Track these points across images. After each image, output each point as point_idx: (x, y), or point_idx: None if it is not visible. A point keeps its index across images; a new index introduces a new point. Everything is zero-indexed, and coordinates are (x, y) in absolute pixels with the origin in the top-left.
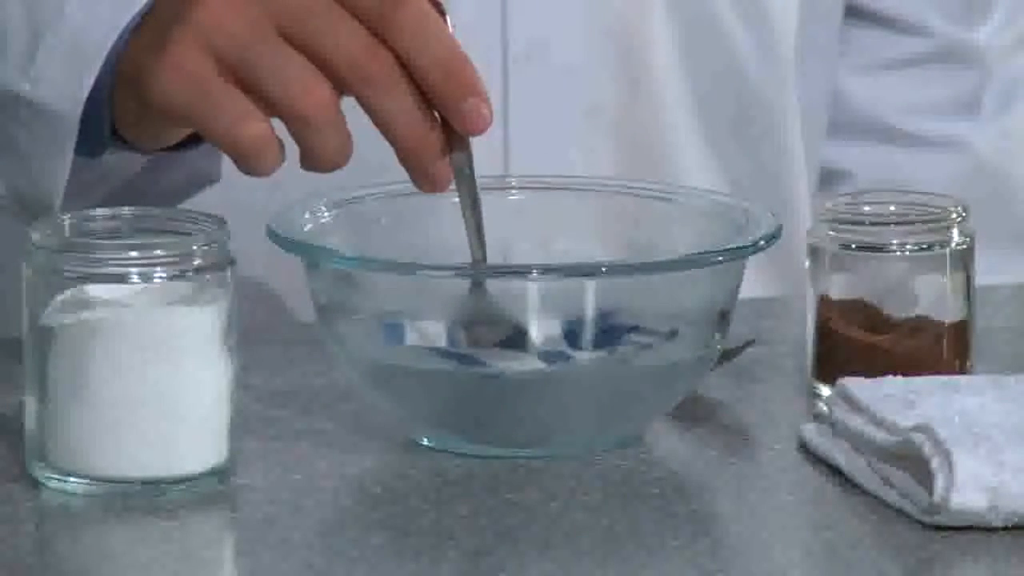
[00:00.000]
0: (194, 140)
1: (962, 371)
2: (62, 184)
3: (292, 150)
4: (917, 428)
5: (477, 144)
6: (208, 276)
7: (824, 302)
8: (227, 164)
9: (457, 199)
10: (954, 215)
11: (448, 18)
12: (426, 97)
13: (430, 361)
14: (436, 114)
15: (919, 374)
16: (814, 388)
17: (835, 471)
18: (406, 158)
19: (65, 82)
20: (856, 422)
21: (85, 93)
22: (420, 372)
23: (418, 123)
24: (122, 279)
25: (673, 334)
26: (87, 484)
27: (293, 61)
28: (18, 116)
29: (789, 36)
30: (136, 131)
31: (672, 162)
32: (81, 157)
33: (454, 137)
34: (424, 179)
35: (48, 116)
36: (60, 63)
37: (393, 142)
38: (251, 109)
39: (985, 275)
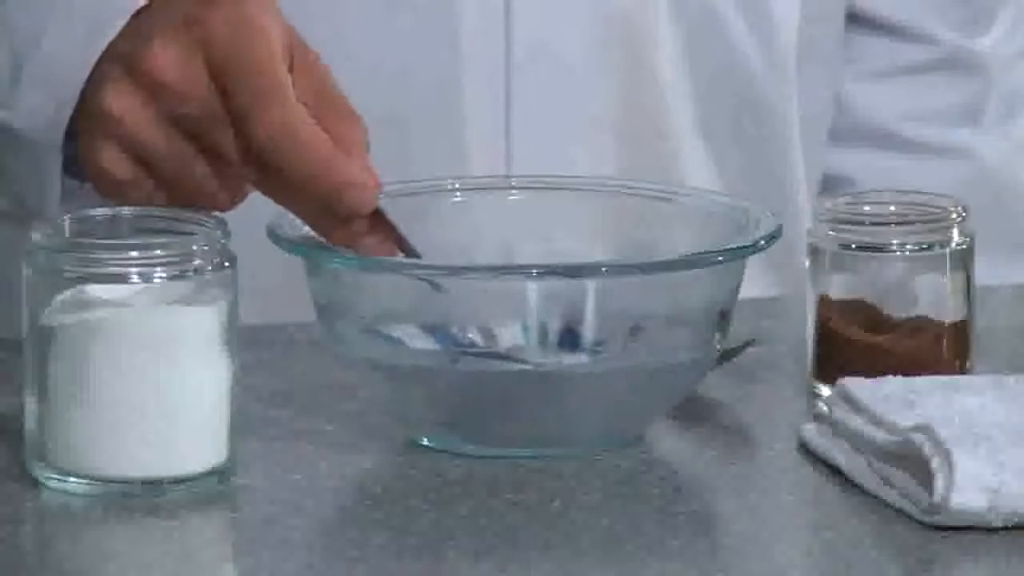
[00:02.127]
0: None
1: (962, 371)
2: (56, 203)
3: None
4: (917, 428)
5: (480, 144)
6: (208, 276)
7: (824, 302)
8: None
9: (457, 199)
10: (954, 215)
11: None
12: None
13: (430, 361)
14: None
15: (919, 374)
16: (814, 388)
17: (835, 471)
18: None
19: (44, 111)
20: (856, 422)
21: (64, 123)
22: (420, 372)
23: (318, 220)
24: (122, 279)
25: (673, 334)
26: (87, 484)
27: (189, 162)
28: (4, 142)
29: (791, 40)
30: None
31: (674, 163)
32: (73, 180)
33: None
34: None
35: (31, 144)
36: (39, 93)
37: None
38: (163, 200)
39: (987, 282)
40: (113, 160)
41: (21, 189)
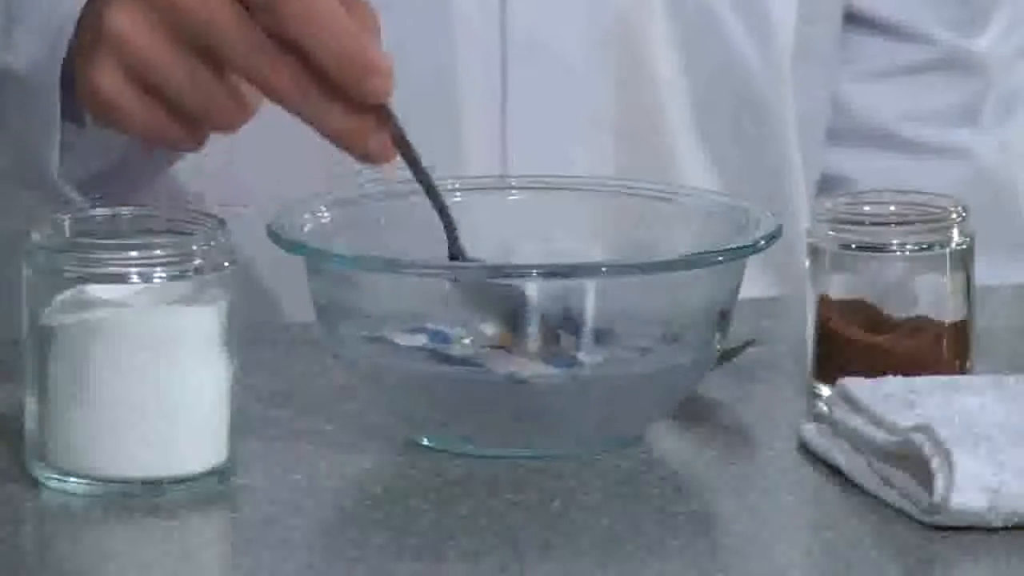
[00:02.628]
0: None
1: (962, 371)
2: (55, 151)
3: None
4: (917, 428)
5: (476, 144)
6: (208, 276)
7: (824, 302)
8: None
9: (457, 199)
10: (954, 215)
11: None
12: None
13: (429, 362)
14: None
15: (919, 374)
16: (814, 388)
17: (835, 471)
18: (336, 145)
19: (41, 51)
20: (856, 422)
21: (61, 55)
22: (419, 373)
23: (335, 117)
24: (122, 279)
25: (673, 334)
26: (87, 484)
27: (203, 82)
28: (4, 88)
29: (788, 40)
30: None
31: (671, 161)
32: (72, 124)
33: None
34: (363, 160)
35: (30, 86)
36: (35, 30)
37: (320, 133)
38: (164, 124)
39: (987, 282)
40: (114, 81)
41: (20, 139)
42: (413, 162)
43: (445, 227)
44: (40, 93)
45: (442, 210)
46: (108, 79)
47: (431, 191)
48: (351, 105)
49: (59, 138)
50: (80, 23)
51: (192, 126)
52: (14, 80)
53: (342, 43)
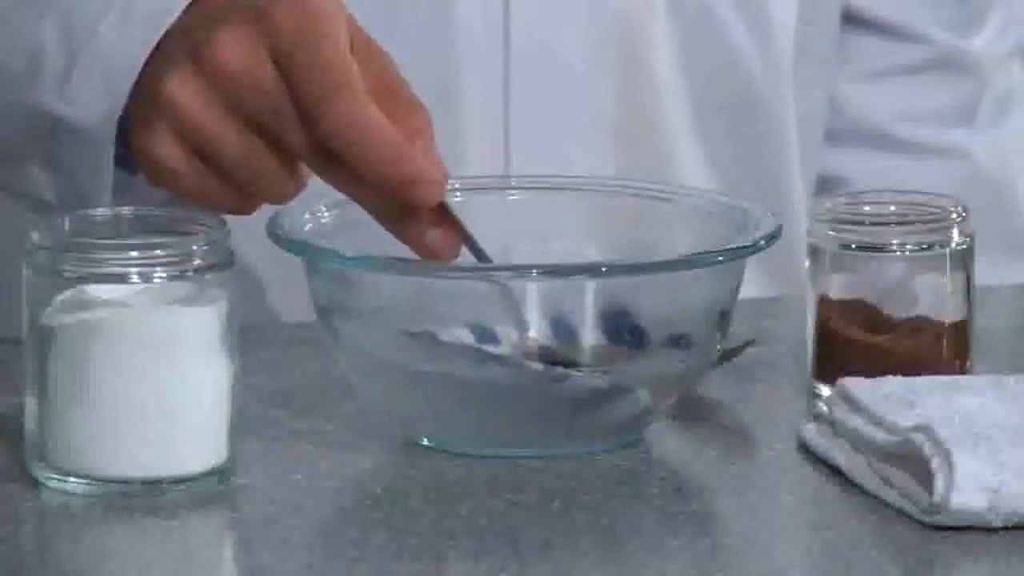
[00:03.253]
0: None
1: (962, 371)
2: (107, 199)
3: None
4: (917, 428)
5: (478, 144)
6: (208, 276)
7: (824, 302)
8: None
9: (458, 198)
10: (954, 215)
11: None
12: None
13: (429, 362)
14: None
15: (919, 374)
16: (814, 388)
17: (835, 471)
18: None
19: (99, 102)
20: (856, 422)
21: (117, 112)
22: (419, 373)
23: (385, 213)
24: (122, 279)
25: (673, 334)
26: (87, 484)
27: (257, 155)
28: (58, 136)
29: (788, 41)
30: None
31: (671, 162)
32: (123, 172)
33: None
34: (422, 254)
35: (85, 136)
36: (94, 84)
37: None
38: (216, 191)
39: (987, 282)
40: (168, 147)
41: (72, 183)
42: (477, 253)
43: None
44: (95, 145)
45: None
46: (163, 145)
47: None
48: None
49: (111, 185)
50: (138, 82)
51: (244, 195)
52: (68, 128)
53: (382, 155)
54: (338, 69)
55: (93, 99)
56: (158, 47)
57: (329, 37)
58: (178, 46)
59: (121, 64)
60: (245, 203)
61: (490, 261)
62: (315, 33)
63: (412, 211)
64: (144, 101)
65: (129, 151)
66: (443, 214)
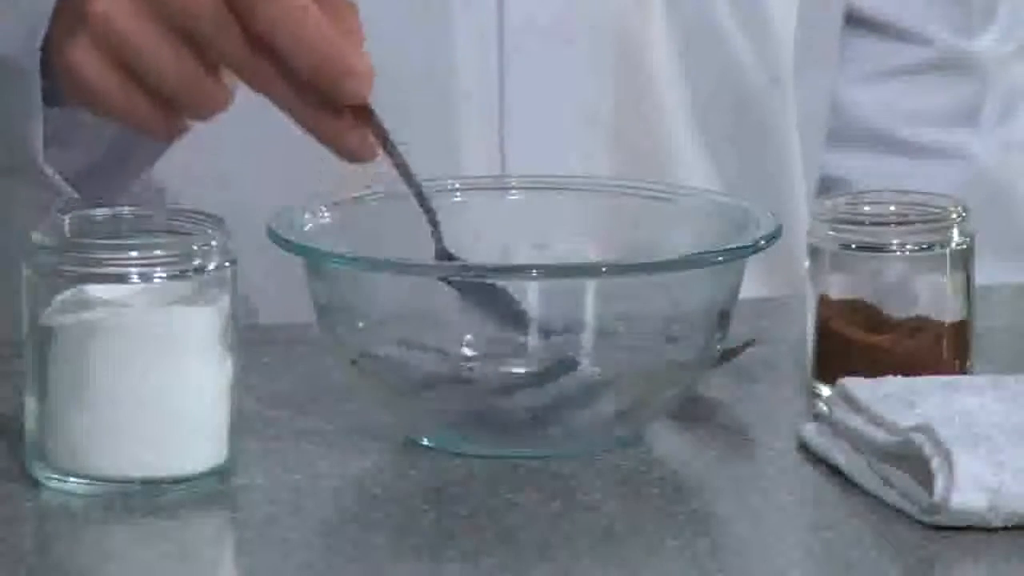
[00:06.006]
0: None
1: (962, 371)
2: (39, 133)
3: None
4: (917, 428)
5: (475, 149)
6: (208, 276)
7: (824, 302)
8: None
9: (457, 199)
10: (954, 215)
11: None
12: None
13: (429, 363)
14: None
15: (919, 374)
16: (814, 388)
17: (835, 471)
18: (318, 140)
19: (19, 33)
20: (856, 422)
21: (39, 36)
22: (419, 373)
23: (314, 114)
24: (122, 279)
25: (673, 334)
26: (87, 484)
27: (184, 66)
28: None
29: (788, 43)
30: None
31: (670, 167)
32: (56, 110)
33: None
34: (344, 157)
35: (9, 68)
36: (13, 15)
37: (300, 127)
38: (142, 108)
39: (987, 282)
40: (95, 62)
41: (5, 123)
42: (398, 161)
43: (431, 225)
44: (20, 77)
45: (428, 210)
46: (88, 58)
47: (416, 190)
48: (329, 104)
49: (42, 122)
50: (62, 2)
51: (169, 112)
52: None
53: (316, 47)
54: None
55: (13, 29)
56: None
57: None
58: None
59: None
60: (171, 122)
61: (410, 172)
62: None
63: (335, 110)
64: (68, 19)
65: (54, 75)
66: (363, 114)
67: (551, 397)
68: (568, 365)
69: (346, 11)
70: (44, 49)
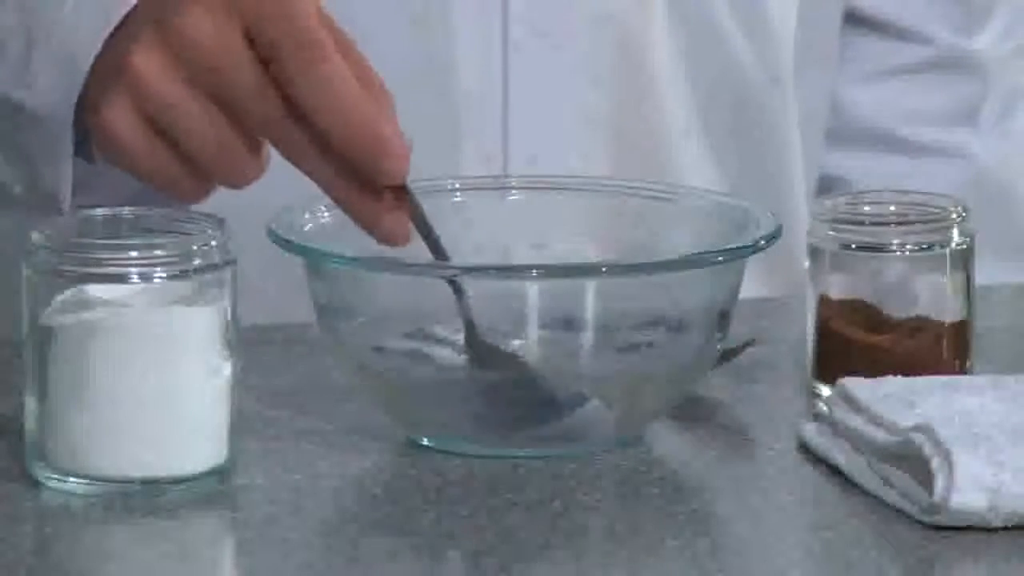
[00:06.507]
0: None
1: (962, 371)
2: (68, 184)
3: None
4: (917, 428)
5: (476, 150)
6: (208, 276)
7: (824, 302)
8: None
9: (457, 199)
10: (954, 215)
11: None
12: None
13: (429, 362)
14: None
15: (919, 374)
16: (814, 388)
17: (835, 471)
18: (350, 218)
19: (57, 88)
20: (856, 422)
21: (76, 94)
22: (419, 373)
23: (350, 193)
24: (122, 279)
25: (673, 334)
26: (87, 484)
27: (218, 131)
28: (18, 123)
29: (788, 42)
30: None
31: (671, 167)
32: (84, 161)
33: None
34: (379, 239)
35: (44, 122)
36: (53, 68)
37: (335, 204)
38: (172, 170)
39: (987, 282)
40: (128, 122)
41: (35, 171)
42: (432, 242)
43: (456, 296)
44: (53, 130)
45: (456, 286)
46: (121, 117)
47: (451, 276)
48: (367, 184)
49: (71, 174)
50: (99, 57)
51: (200, 176)
52: (28, 114)
53: (354, 120)
54: (311, 30)
55: (51, 83)
56: (121, 23)
57: (301, 3)
58: (143, 19)
59: (79, 47)
60: (201, 186)
61: (445, 255)
62: (287, 3)
63: (372, 190)
64: (105, 77)
65: (86, 130)
66: (401, 196)
67: (550, 397)
68: (568, 366)
69: (382, 95)
70: (79, 104)
